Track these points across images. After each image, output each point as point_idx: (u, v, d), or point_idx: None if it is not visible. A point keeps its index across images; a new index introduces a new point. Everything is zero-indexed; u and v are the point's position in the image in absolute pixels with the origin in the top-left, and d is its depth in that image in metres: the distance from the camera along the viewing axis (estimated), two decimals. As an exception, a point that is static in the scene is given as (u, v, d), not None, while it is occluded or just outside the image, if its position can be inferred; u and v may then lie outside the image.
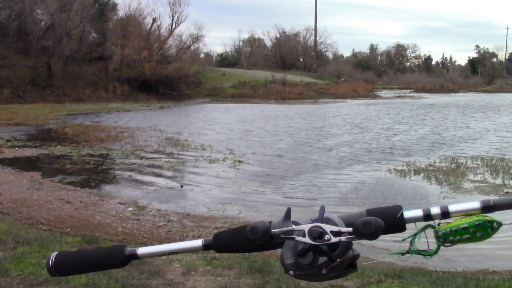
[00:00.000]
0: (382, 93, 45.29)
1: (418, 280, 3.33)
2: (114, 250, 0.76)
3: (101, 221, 5.75)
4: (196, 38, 40.87)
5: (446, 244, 0.66)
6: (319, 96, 37.23)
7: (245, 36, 74.71)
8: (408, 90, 50.56)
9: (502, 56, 73.20)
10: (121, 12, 36.86)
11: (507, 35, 78.89)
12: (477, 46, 74.54)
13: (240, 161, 9.89)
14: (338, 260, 0.66)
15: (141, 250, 0.75)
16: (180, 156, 10.60)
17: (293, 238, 0.68)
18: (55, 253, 0.75)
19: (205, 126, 16.93)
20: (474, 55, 74.41)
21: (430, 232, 0.71)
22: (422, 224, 0.70)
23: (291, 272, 0.66)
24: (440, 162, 9.78)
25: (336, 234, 0.67)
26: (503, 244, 5.01)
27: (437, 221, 0.69)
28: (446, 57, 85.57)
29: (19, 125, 16.35)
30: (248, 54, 61.89)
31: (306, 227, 0.68)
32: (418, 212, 0.70)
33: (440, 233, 0.67)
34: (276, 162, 9.98)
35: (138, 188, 7.67)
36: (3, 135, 13.47)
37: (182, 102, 30.58)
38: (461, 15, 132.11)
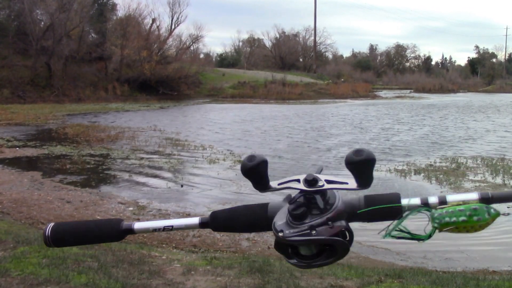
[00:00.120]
0: (382, 93, 45.34)
1: (418, 280, 3.33)
2: (111, 223, 0.76)
3: (101, 221, 5.74)
4: (196, 38, 41.00)
5: (441, 227, 0.66)
6: (319, 97, 37.27)
7: (245, 36, 74.86)
8: (408, 90, 50.65)
9: (501, 56, 73.38)
10: (120, 12, 36.99)
11: (506, 35, 78.73)
12: (477, 46, 74.73)
13: (240, 161, 9.85)
14: (330, 223, 0.66)
15: (138, 225, 0.76)
16: (180, 156, 10.60)
17: (288, 187, 0.71)
18: (52, 224, 0.75)
19: (205, 126, 16.94)
20: (473, 55, 74.61)
21: (426, 221, 0.70)
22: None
23: (281, 234, 0.66)
24: (440, 162, 9.78)
25: (330, 182, 0.71)
26: (503, 245, 5.02)
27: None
28: (445, 57, 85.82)
29: (19, 125, 16.35)
30: (248, 54, 61.94)
31: (301, 176, 0.71)
32: (416, 201, 0.71)
33: (436, 215, 0.67)
34: (276, 162, 9.97)
35: (138, 188, 7.67)
36: (4, 135, 13.48)
37: (182, 103, 30.59)
38: (461, 15, 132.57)
